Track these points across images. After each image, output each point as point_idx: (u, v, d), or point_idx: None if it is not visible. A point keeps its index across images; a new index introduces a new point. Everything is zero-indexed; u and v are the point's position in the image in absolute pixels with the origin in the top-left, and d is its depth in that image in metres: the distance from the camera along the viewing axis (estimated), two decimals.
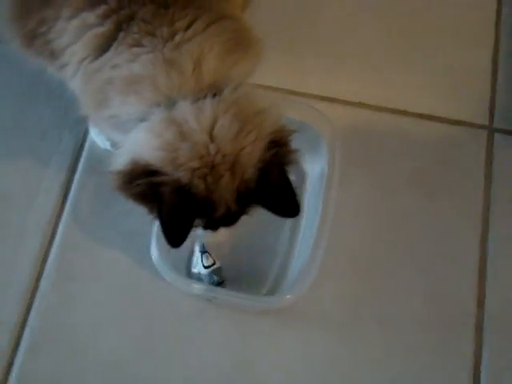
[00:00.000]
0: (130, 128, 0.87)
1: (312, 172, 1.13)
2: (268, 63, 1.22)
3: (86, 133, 1.17)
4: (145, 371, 1.03)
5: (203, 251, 1.07)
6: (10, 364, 1.02)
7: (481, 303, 1.09)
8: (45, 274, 1.07)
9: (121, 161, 0.87)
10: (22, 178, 1.14)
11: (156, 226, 0.99)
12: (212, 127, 0.84)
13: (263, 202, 0.89)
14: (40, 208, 1.12)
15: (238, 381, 1.03)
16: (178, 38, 0.84)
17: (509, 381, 1.04)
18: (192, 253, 1.08)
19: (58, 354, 1.03)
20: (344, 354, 1.05)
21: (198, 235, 1.04)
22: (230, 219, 0.91)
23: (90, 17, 0.85)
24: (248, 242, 1.10)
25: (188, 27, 0.85)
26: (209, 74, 0.85)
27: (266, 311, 1.06)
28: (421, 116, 1.23)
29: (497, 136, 1.21)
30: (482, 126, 1.23)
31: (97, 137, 1.15)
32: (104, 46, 0.86)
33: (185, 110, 0.84)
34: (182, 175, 0.83)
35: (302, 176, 1.14)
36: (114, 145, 1.12)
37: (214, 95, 0.85)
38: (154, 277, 1.03)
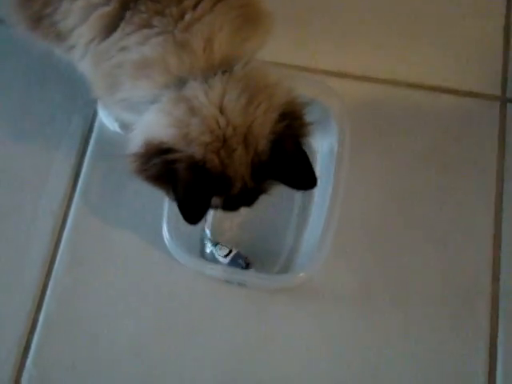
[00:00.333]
0: (141, 109, 0.87)
1: (322, 149, 1.12)
2: (276, 40, 1.21)
3: (94, 115, 1.17)
4: (160, 352, 1.03)
5: (214, 244, 1.06)
6: (27, 348, 1.03)
7: (496, 276, 1.08)
8: (58, 258, 1.08)
9: (135, 143, 0.87)
10: (32, 161, 1.13)
11: (166, 207, 0.99)
12: (221, 100, 0.83)
13: (279, 176, 0.88)
14: (51, 192, 1.12)
15: (254, 359, 1.03)
16: (187, 17, 0.83)
17: None
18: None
19: (74, 338, 1.04)
20: (359, 330, 1.05)
21: (205, 233, 1.06)
22: (248, 197, 0.90)
23: None
24: (259, 222, 1.10)
25: (196, 5, 0.84)
26: (219, 52, 0.84)
27: (280, 289, 1.06)
28: (432, 89, 1.21)
29: (510, 106, 1.19)
30: (494, 97, 1.21)
31: (106, 119, 1.14)
32: (111, 27, 0.85)
33: (195, 87, 0.83)
34: (196, 151, 0.82)
35: (311, 153, 1.12)
36: (123, 126, 1.12)
37: (224, 72, 0.84)
38: (167, 257, 1.03)
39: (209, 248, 1.06)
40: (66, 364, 1.02)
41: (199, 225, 0.89)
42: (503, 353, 1.03)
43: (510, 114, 1.19)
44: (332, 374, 1.03)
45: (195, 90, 0.83)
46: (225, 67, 0.84)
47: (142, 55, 0.83)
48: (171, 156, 0.83)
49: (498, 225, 1.11)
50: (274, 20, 0.91)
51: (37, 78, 1.19)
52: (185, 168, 0.83)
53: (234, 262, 1.04)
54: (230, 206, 0.91)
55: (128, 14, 0.84)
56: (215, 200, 0.88)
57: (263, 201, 1.09)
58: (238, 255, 1.05)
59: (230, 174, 0.85)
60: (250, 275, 1.00)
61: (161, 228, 1.01)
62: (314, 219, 1.07)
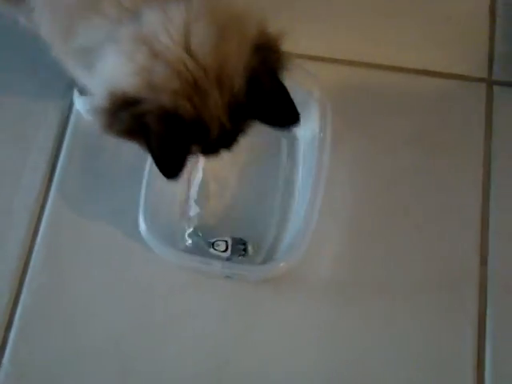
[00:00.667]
0: (100, 55, 0.80)
1: (304, 136, 1.10)
2: None
3: (70, 107, 1.14)
4: (139, 346, 1.01)
5: (210, 244, 1.03)
6: (3, 345, 1.00)
7: (484, 260, 1.05)
8: (34, 253, 1.05)
9: (98, 96, 0.81)
10: (6, 155, 1.11)
11: (143, 198, 0.96)
12: (186, 39, 0.76)
13: (258, 115, 0.82)
14: (27, 185, 1.09)
15: (237, 352, 1.01)
16: None
17: None
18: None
19: (51, 334, 1.01)
20: (345, 320, 1.02)
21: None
22: (227, 140, 0.85)
23: None
24: (240, 211, 1.07)
25: None
26: None
27: (263, 280, 1.03)
28: (417, 72, 1.19)
29: (496, 88, 1.17)
30: (480, 79, 1.18)
31: (81, 107, 1.11)
32: None
33: (152, 21, 0.77)
34: (165, 99, 0.76)
35: (294, 141, 1.11)
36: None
37: None
38: (146, 250, 1.01)
39: (189, 241, 1.04)
40: (44, 360, 1.00)
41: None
42: (491, 338, 1.01)
43: (496, 96, 1.16)
44: (318, 362, 1.00)
45: (153, 25, 0.77)
46: None
47: None
48: (139, 108, 0.77)
49: (485, 207, 1.09)
50: None
51: (11, 68, 1.16)
52: (155, 119, 0.76)
53: (234, 251, 1.02)
54: (210, 151, 0.86)
55: None
56: (193, 148, 0.82)
57: (245, 190, 1.08)
58: (234, 242, 1.03)
59: (206, 119, 0.79)
60: (230, 267, 0.98)
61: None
62: (298, 207, 1.04)
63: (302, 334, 1.02)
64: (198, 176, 1.09)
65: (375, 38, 1.21)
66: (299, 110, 1.07)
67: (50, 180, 1.09)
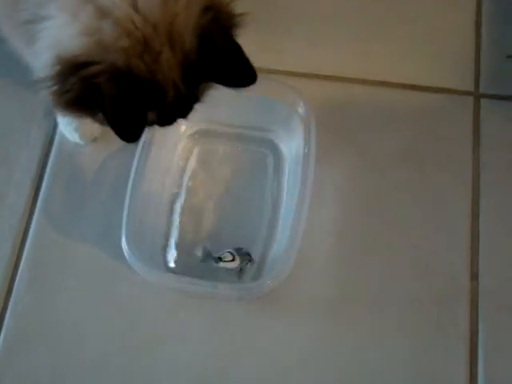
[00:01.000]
0: (43, 25, 0.77)
1: (290, 152, 1.09)
2: (241, 42, 1.19)
3: (55, 127, 1.13)
4: (125, 369, 0.99)
5: (217, 259, 1.02)
6: None
7: (474, 275, 1.04)
8: (18, 275, 1.03)
9: (44, 64, 0.76)
10: None
11: (125, 219, 0.95)
12: None
13: (213, 75, 0.79)
14: (10, 206, 1.08)
15: (226, 372, 0.99)
16: None
17: (507, 354, 1.00)
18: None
19: (35, 358, 0.99)
20: (333, 337, 1.01)
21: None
22: (183, 106, 0.82)
23: None
24: (227, 230, 1.06)
25: None
26: None
27: (250, 299, 1.02)
28: (403, 86, 1.18)
29: (483, 101, 1.16)
30: (467, 93, 1.17)
31: (65, 128, 1.10)
32: None
33: None
34: (116, 58, 0.73)
35: (280, 157, 1.10)
36: (83, 136, 1.09)
37: None
38: (131, 272, 0.99)
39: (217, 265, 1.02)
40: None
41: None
42: (484, 355, 0.99)
43: (483, 109, 1.16)
44: (307, 381, 0.99)
45: None
46: None
47: None
48: (89, 70, 0.73)
49: (475, 222, 1.07)
50: None
51: None
52: (108, 80, 0.73)
53: (243, 261, 1.01)
54: (166, 119, 0.83)
55: None
56: (150, 115, 0.79)
57: (232, 210, 1.07)
58: (239, 252, 1.01)
59: (160, 80, 0.76)
60: (215, 286, 0.96)
61: None
62: (284, 225, 1.03)
63: (291, 353, 1.00)
64: (182, 193, 1.08)
65: (361, 53, 1.20)
66: (284, 126, 1.07)
67: (35, 200, 1.08)
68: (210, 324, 1.01)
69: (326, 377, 0.99)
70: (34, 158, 1.11)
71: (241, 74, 0.80)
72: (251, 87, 1.06)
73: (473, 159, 1.12)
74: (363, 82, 1.18)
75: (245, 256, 1.02)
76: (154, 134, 1.01)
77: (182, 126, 1.11)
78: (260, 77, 1.13)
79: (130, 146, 1.01)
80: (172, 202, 1.07)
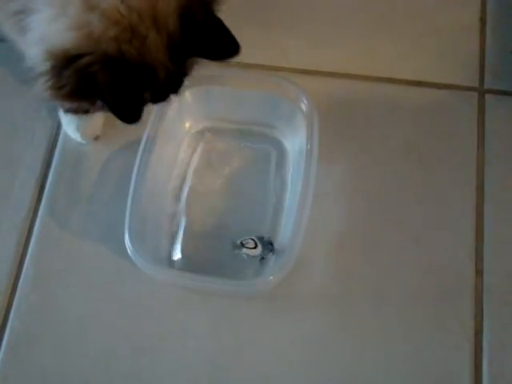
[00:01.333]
0: (32, 19, 0.79)
1: (293, 149, 1.09)
2: (245, 40, 1.19)
3: (59, 127, 1.14)
4: (130, 366, 0.99)
5: (239, 246, 1.02)
6: None
7: (479, 270, 1.03)
8: (23, 273, 1.04)
9: (37, 61, 0.79)
10: None
11: (128, 216, 0.95)
12: None
13: (198, 51, 0.83)
14: (15, 205, 1.08)
15: (229, 368, 0.99)
16: None
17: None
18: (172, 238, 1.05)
19: (40, 355, 1.00)
20: (336, 334, 1.00)
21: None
22: (174, 83, 0.86)
23: None
24: (231, 226, 1.06)
25: None
26: None
27: (252, 296, 1.02)
28: (407, 82, 1.18)
29: (488, 97, 1.16)
30: (472, 88, 1.17)
31: (67, 127, 1.11)
32: None
33: None
34: (107, 47, 0.76)
35: (283, 154, 1.10)
36: (85, 135, 1.09)
37: None
38: (135, 268, 0.99)
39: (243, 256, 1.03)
40: (33, 383, 0.98)
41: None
42: (488, 351, 0.99)
43: (488, 105, 1.15)
44: (310, 378, 0.98)
45: None
46: None
47: None
48: (82, 61, 0.76)
49: (479, 218, 1.07)
50: None
51: None
52: (101, 68, 0.76)
53: (265, 249, 1.01)
54: (159, 97, 0.87)
55: None
56: (145, 95, 0.83)
57: (235, 206, 1.07)
58: (262, 240, 1.02)
59: (150, 62, 0.79)
60: (217, 282, 0.96)
61: None
62: (287, 220, 1.03)
63: (295, 350, 1.00)
64: (186, 190, 1.08)
65: (364, 50, 1.20)
66: (287, 123, 1.07)
67: (39, 199, 1.09)
68: (213, 320, 1.01)
69: (328, 373, 0.98)
70: (38, 157, 1.12)
71: (224, 46, 0.84)
72: (255, 85, 1.08)
73: (477, 155, 1.11)
74: (366, 78, 1.18)
75: (267, 245, 1.02)
76: (157, 132, 1.01)
77: (186, 124, 1.12)
78: (263, 74, 1.15)
79: (134, 143, 1.02)
80: (176, 199, 1.07)
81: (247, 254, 1.01)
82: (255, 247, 1.01)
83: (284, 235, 1.01)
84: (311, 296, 1.02)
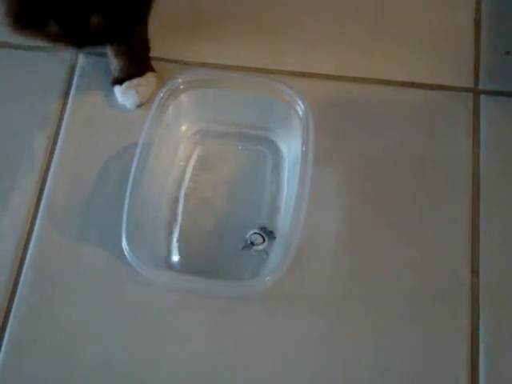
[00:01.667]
0: None
1: (289, 151, 1.10)
2: (242, 44, 1.20)
3: (57, 130, 1.15)
4: (129, 368, 1.00)
5: (250, 246, 1.04)
6: None
7: (475, 270, 1.04)
8: (22, 277, 1.05)
9: None
10: None
11: (125, 219, 0.96)
12: None
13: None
14: (14, 209, 1.09)
15: (229, 371, 1.00)
16: None
17: (509, 350, 1.00)
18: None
19: (39, 358, 1.00)
20: (334, 335, 1.01)
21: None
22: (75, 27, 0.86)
23: None
24: (228, 228, 1.07)
25: None
26: None
27: (250, 298, 1.03)
28: (402, 84, 1.18)
29: (483, 98, 1.16)
30: (466, 89, 1.18)
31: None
32: None
33: None
34: None
35: (279, 156, 1.11)
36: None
37: None
38: (133, 271, 0.99)
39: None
40: None
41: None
42: (485, 350, 1.00)
43: (483, 106, 1.16)
44: (307, 380, 0.99)
45: None
46: None
47: None
48: None
49: (475, 218, 1.07)
50: None
51: None
52: None
53: (270, 239, 1.03)
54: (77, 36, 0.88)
55: None
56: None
57: (231, 205, 1.08)
58: (265, 231, 1.03)
59: None
60: (214, 284, 0.97)
61: None
62: (283, 222, 1.04)
63: (292, 350, 1.01)
64: (182, 192, 1.09)
65: (359, 52, 1.21)
66: (283, 125, 1.09)
67: (38, 203, 1.10)
68: (211, 322, 1.02)
69: (327, 373, 0.99)
70: (37, 161, 1.12)
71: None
72: (251, 87, 1.08)
73: (472, 155, 1.12)
74: (362, 80, 1.19)
75: (270, 234, 1.03)
76: (153, 134, 1.02)
77: (183, 127, 1.12)
78: (259, 76, 1.16)
79: (132, 147, 1.03)
80: (173, 201, 1.08)
81: (256, 251, 1.03)
82: (263, 241, 1.02)
83: (281, 236, 1.02)
84: (308, 297, 1.03)
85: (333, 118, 1.15)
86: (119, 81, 1.14)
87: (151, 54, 1.17)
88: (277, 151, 1.11)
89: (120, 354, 1.01)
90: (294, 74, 1.19)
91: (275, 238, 1.03)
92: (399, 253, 1.05)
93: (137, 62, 1.14)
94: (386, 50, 1.21)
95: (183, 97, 1.07)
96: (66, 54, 1.21)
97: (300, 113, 1.03)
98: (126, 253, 0.95)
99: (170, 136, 1.09)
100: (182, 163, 1.11)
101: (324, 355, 1.00)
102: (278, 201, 1.07)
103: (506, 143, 1.13)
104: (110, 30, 0.89)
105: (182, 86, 1.06)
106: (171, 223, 1.07)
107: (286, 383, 0.99)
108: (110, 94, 1.16)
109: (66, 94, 1.18)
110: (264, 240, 1.03)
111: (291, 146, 1.08)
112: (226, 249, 1.05)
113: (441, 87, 1.18)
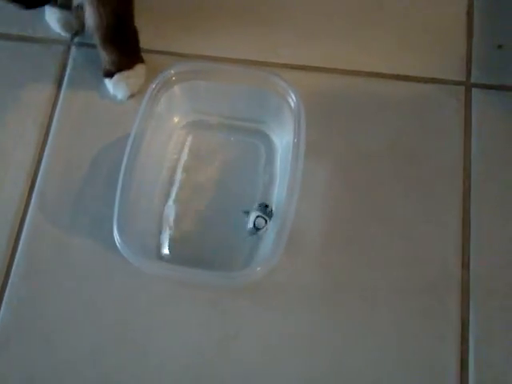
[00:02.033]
0: None
1: (281, 144, 1.10)
2: (235, 36, 1.20)
3: (50, 121, 1.15)
4: (122, 358, 1.00)
5: (255, 231, 1.04)
6: None
7: (465, 263, 1.05)
8: (13, 269, 1.05)
9: None
10: None
11: (116, 209, 0.96)
12: None
13: None
14: (6, 200, 1.09)
15: (219, 361, 1.00)
16: None
17: (498, 342, 1.00)
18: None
19: (31, 350, 1.01)
20: (326, 327, 1.02)
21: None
22: None
23: None
24: (220, 220, 1.07)
25: None
26: None
27: (241, 288, 1.03)
28: (394, 77, 1.18)
29: (475, 91, 1.17)
30: (459, 82, 1.18)
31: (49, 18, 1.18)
32: None
33: None
34: None
35: (272, 148, 1.11)
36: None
37: None
38: (125, 262, 0.99)
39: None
40: (24, 377, 1.00)
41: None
42: (475, 342, 1.00)
43: (475, 99, 1.16)
44: (298, 370, 1.00)
45: None
46: None
47: None
48: None
49: (465, 211, 1.08)
50: None
51: None
52: None
53: (270, 218, 1.03)
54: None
55: None
56: None
57: (224, 200, 1.08)
58: (265, 211, 1.04)
59: None
60: (205, 274, 0.97)
61: None
62: (275, 213, 1.04)
63: (283, 342, 1.01)
64: (175, 184, 1.09)
65: (352, 44, 1.21)
66: (275, 117, 1.09)
67: (30, 194, 1.10)
68: (202, 312, 1.02)
69: (316, 364, 1.00)
70: (29, 152, 1.12)
71: None
72: (243, 79, 1.08)
73: (464, 149, 1.12)
74: (354, 73, 1.19)
75: (270, 213, 1.04)
76: (146, 126, 1.02)
77: (175, 118, 1.12)
78: (252, 68, 1.16)
79: (124, 139, 1.03)
80: (165, 193, 1.08)
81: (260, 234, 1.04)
82: (265, 224, 1.03)
83: (272, 228, 1.02)
84: (299, 289, 1.03)
85: (325, 111, 1.15)
86: (110, 74, 1.15)
87: (146, 47, 1.18)
88: (269, 143, 1.11)
89: (110, 344, 1.01)
90: (286, 66, 1.19)
91: (272, 213, 1.04)
92: (390, 245, 1.06)
93: (126, 55, 1.14)
94: (378, 43, 1.21)
95: (176, 88, 1.07)
96: (59, 45, 1.21)
97: (292, 105, 1.04)
98: (117, 243, 0.95)
99: (163, 127, 1.09)
100: (174, 154, 1.11)
101: (315, 346, 1.01)
102: (269, 192, 1.07)
103: (498, 136, 1.14)
104: None
105: (174, 78, 1.06)
106: (163, 214, 1.07)
107: (277, 373, 1.00)
108: (102, 85, 1.16)
109: (58, 86, 1.18)
110: (266, 222, 1.03)
111: (283, 138, 1.08)
112: (218, 239, 1.05)
113: (433, 80, 1.18)
